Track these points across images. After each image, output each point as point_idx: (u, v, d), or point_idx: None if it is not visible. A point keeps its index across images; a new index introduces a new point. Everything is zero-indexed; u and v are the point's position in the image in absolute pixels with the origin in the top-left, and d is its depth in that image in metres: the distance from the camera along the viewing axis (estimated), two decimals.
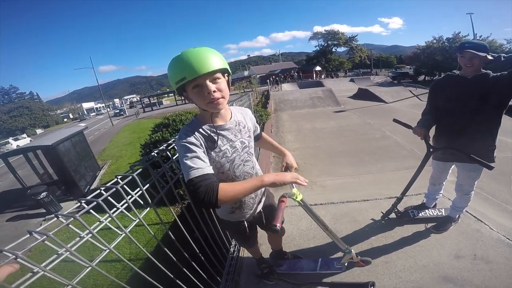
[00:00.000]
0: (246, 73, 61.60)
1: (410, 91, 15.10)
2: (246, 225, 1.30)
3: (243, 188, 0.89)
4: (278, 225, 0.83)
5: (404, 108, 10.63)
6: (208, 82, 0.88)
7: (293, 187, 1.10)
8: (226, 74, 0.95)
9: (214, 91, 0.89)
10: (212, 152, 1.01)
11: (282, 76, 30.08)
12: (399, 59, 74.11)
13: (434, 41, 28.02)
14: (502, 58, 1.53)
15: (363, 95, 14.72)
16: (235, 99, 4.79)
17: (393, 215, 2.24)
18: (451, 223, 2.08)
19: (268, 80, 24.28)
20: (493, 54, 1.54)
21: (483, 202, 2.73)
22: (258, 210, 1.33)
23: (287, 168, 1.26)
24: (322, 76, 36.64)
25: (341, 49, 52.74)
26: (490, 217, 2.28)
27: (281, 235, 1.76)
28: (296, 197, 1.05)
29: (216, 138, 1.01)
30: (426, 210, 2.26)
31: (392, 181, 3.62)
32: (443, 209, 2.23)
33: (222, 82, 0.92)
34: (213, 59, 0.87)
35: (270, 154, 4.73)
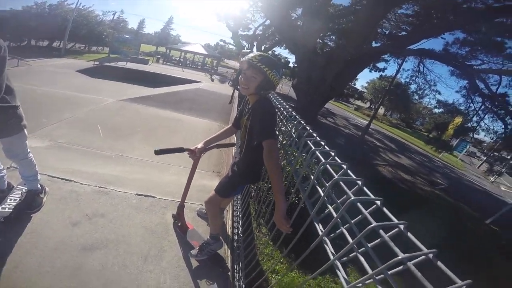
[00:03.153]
0: None
1: None
2: None
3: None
4: None
5: None
6: None
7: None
8: None
9: None
10: None
11: None
12: None
13: (35, 6, 20.76)
14: None
15: None
16: None
17: None
18: (39, 195, 1.78)
19: None
20: None
21: (81, 157, 2.68)
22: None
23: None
24: None
25: None
26: (83, 171, 2.26)
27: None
28: None
29: None
30: (8, 197, 1.71)
31: None
32: (24, 185, 1.78)
33: None
34: None
35: None
